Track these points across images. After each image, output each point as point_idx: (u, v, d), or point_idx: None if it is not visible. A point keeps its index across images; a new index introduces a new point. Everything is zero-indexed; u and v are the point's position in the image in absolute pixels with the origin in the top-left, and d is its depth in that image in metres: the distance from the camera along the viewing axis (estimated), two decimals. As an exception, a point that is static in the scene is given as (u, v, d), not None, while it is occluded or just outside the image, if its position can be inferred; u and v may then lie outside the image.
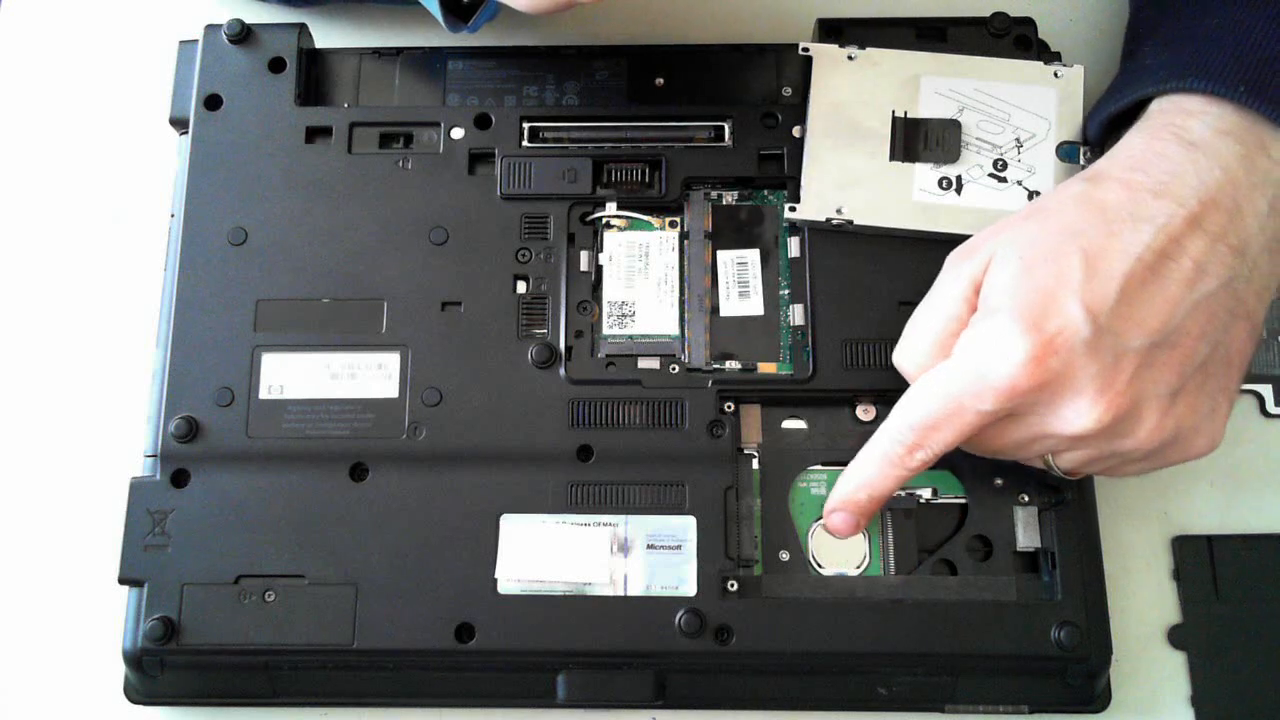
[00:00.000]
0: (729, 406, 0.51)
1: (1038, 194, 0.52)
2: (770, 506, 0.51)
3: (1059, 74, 0.54)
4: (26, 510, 0.55)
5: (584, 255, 0.54)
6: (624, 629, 0.48)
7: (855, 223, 0.52)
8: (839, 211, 0.52)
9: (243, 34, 0.56)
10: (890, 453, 0.47)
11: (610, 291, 0.54)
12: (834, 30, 0.56)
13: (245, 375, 0.52)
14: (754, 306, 0.53)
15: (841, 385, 0.51)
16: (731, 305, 0.53)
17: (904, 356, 0.49)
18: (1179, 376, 0.44)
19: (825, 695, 0.50)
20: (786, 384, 0.52)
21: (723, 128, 0.55)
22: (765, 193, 0.55)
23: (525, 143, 0.55)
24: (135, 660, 0.49)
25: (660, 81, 0.57)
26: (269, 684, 0.50)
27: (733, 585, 0.49)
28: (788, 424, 0.52)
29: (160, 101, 0.57)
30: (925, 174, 0.53)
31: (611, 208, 0.55)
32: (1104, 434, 0.45)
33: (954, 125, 0.53)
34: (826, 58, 0.54)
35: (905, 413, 0.47)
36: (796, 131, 0.54)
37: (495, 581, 0.49)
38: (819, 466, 0.52)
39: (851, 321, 0.52)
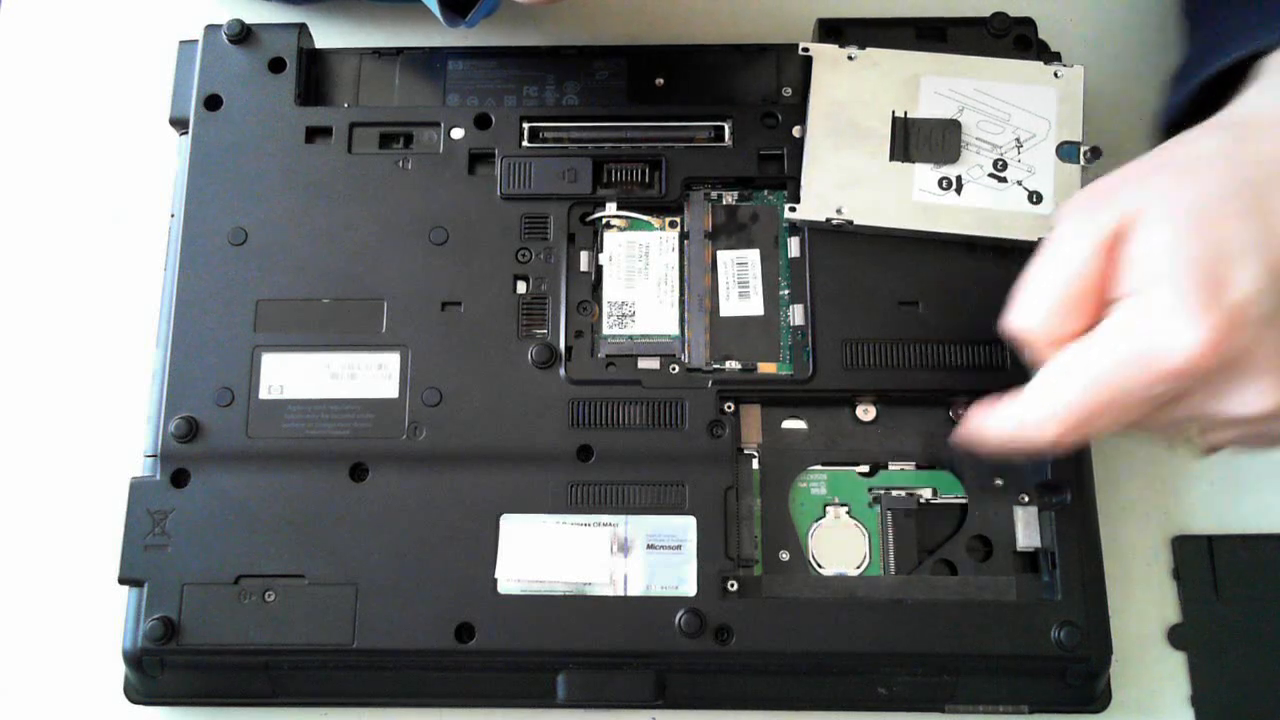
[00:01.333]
0: (729, 406, 0.51)
1: (1038, 194, 0.52)
2: (770, 506, 0.51)
3: (1059, 74, 0.54)
4: (26, 510, 0.55)
5: (584, 255, 0.54)
6: (624, 629, 0.48)
7: (855, 223, 0.52)
8: (839, 211, 0.52)
9: (243, 34, 0.56)
10: (1035, 438, 0.43)
11: (610, 291, 0.54)
12: (834, 30, 0.56)
13: (245, 375, 0.52)
14: (754, 306, 0.53)
15: (841, 385, 0.51)
16: (731, 305, 0.53)
17: (1026, 317, 0.44)
18: None
19: (825, 695, 0.50)
20: (786, 384, 0.52)
21: (723, 128, 0.55)
22: (765, 193, 0.55)
23: (525, 143, 0.55)
24: (135, 660, 0.49)
25: (660, 81, 0.57)
26: (269, 684, 0.50)
27: (733, 585, 0.49)
28: (788, 424, 0.52)
29: (160, 101, 0.57)
30: (925, 174, 0.53)
31: (611, 208, 0.55)
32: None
33: (954, 125, 0.53)
34: (826, 58, 0.54)
35: (1054, 401, 0.42)
36: (796, 131, 0.54)
37: (495, 581, 0.49)
38: (819, 466, 0.52)
39: (851, 321, 0.52)
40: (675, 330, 0.53)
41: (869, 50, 0.54)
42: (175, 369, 0.52)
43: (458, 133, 0.55)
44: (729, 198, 0.55)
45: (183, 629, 0.48)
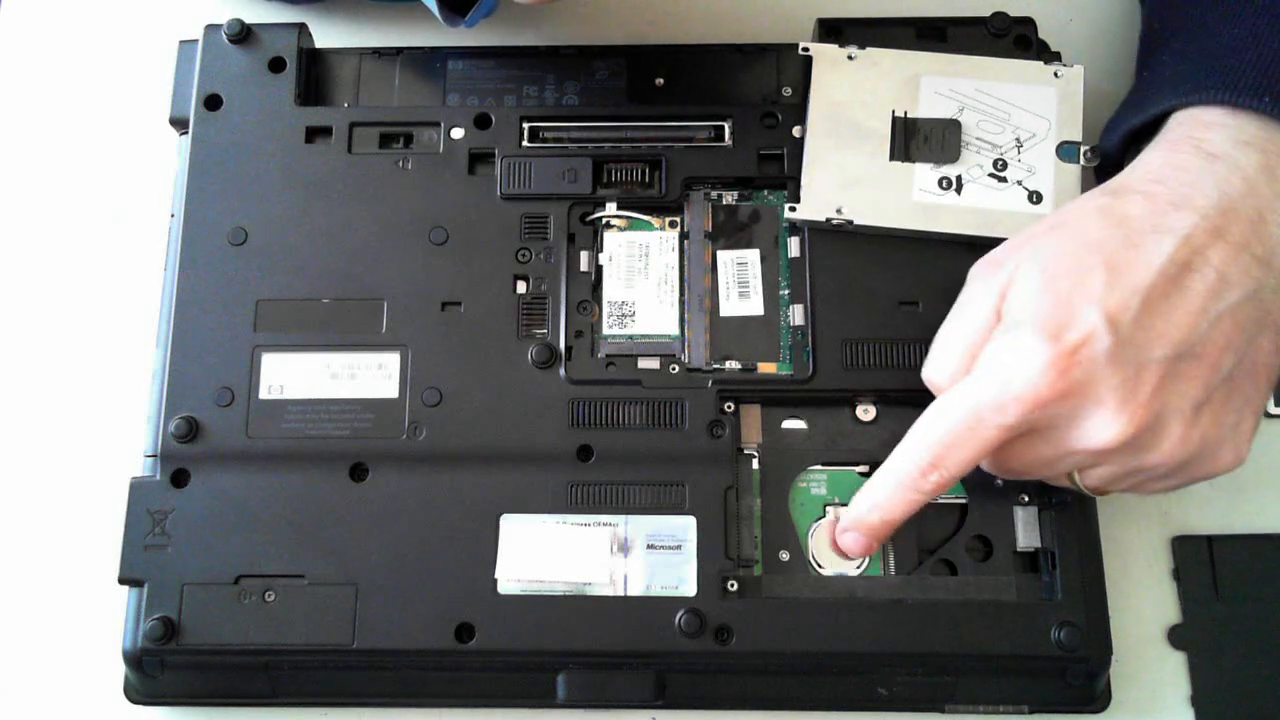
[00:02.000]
0: (729, 406, 0.51)
1: (1038, 194, 0.52)
2: (770, 506, 0.51)
3: (1059, 74, 0.54)
4: (26, 510, 0.55)
5: (584, 255, 0.54)
6: (624, 629, 0.48)
7: (855, 223, 0.52)
8: (839, 211, 0.52)
9: (243, 34, 0.56)
10: (905, 475, 0.46)
11: (610, 291, 0.54)
12: (834, 30, 0.56)
13: (245, 375, 0.52)
14: (754, 306, 0.53)
15: (841, 385, 0.51)
16: (731, 305, 0.53)
17: (934, 370, 0.48)
18: (1204, 389, 0.44)
19: (825, 695, 0.50)
20: (786, 384, 0.52)
21: (723, 128, 0.55)
22: (765, 193, 0.55)
23: (525, 143, 0.55)
24: (135, 660, 0.49)
25: (660, 81, 0.57)
26: (269, 684, 0.50)
27: (733, 585, 0.49)
28: (788, 424, 0.52)
29: (160, 101, 0.57)
30: (925, 174, 0.52)
31: (611, 208, 0.55)
32: (1128, 448, 0.44)
33: (954, 125, 0.53)
34: (826, 58, 0.54)
35: (921, 433, 0.46)
36: (796, 131, 0.54)
37: (495, 581, 0.49)
38: (819, 466, 0.52)
39: (851, 321, 0.52)
40: (675, 330, 0.53)
41: (869, 50, 0.54)
42: (175, 369, 0.52)
43: (458, 133, 0.55)
44: (729, 198, 0.55)
45: (183, 629, 0.48)
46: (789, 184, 0.54)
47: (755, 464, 0.51)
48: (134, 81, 0.61)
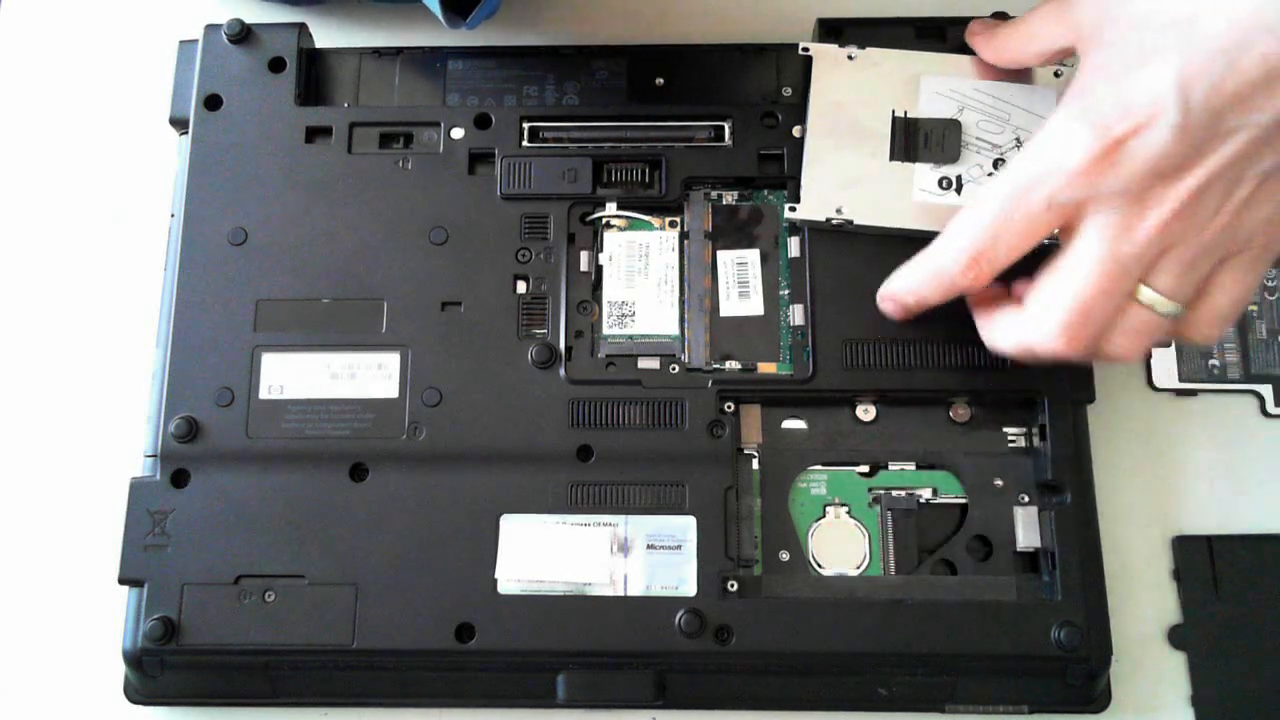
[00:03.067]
0: (729, 406, 0.51)
1: None
2: (770, 506, 0.51)
3: (1059, 73, 0.54)
4: (26, 510, 0.55)
5: (584, 255, 0.54)
6: (624, 629, 0.48)
7: (855, 223, 0.52)
8: (839, 211, 0.52)
9: (243, 34, 0.56)
10: (944, 270, 0.47)
11: (610, 291, 0.54)
12: (834, 30, 0.56)
13: (245, 375, 0.52)
14: (754, 306, 0.53)
15: (841, 385, 0.51)
16: (731, 305, 0.53)
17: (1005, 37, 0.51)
18: (1273, 164, 0.42)
19: (825, 695, 0.50)
20: (786, 384, 0.52)
21: (723, 128, 0.55)
22: (765, 193, 0.55)
23: (525, 143, 0.55)
24: (135, 660, 0.49)
25: (660, 81, 0.57)
26: (269, 684, 0.50)
27: (733, 585, 0.49)
28: (788, 424, 0.52)
29: (160, 101, 0.57)
30: (925, 174, 0.52)
31: (611, 208, 0.55)
32: (1186, 212, 0.42)
33: (954, 125, 0.53)
34: (826, 58, 0.54)
35: (963, 224, 0.46)
36: (796, 131, 0.54)
37: (495, 581, 0.49)
38: (819, 466, 0.52)
39: (851, 321, 0.52)
40: (675, 330, 0.53)
41: (869, 50, 0.54)
42: (175, 369, 0.52)
43: (458, 133, 0.55)
44: (729, 198, 0.55)
45: (183, 629, 0.48)
46: (789, 184, 0.54)
47: (755, 464, 0.51)
48: (134, 81, 0.61)
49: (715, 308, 0.53)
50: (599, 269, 0.54)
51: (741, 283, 0.54)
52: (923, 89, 0.54)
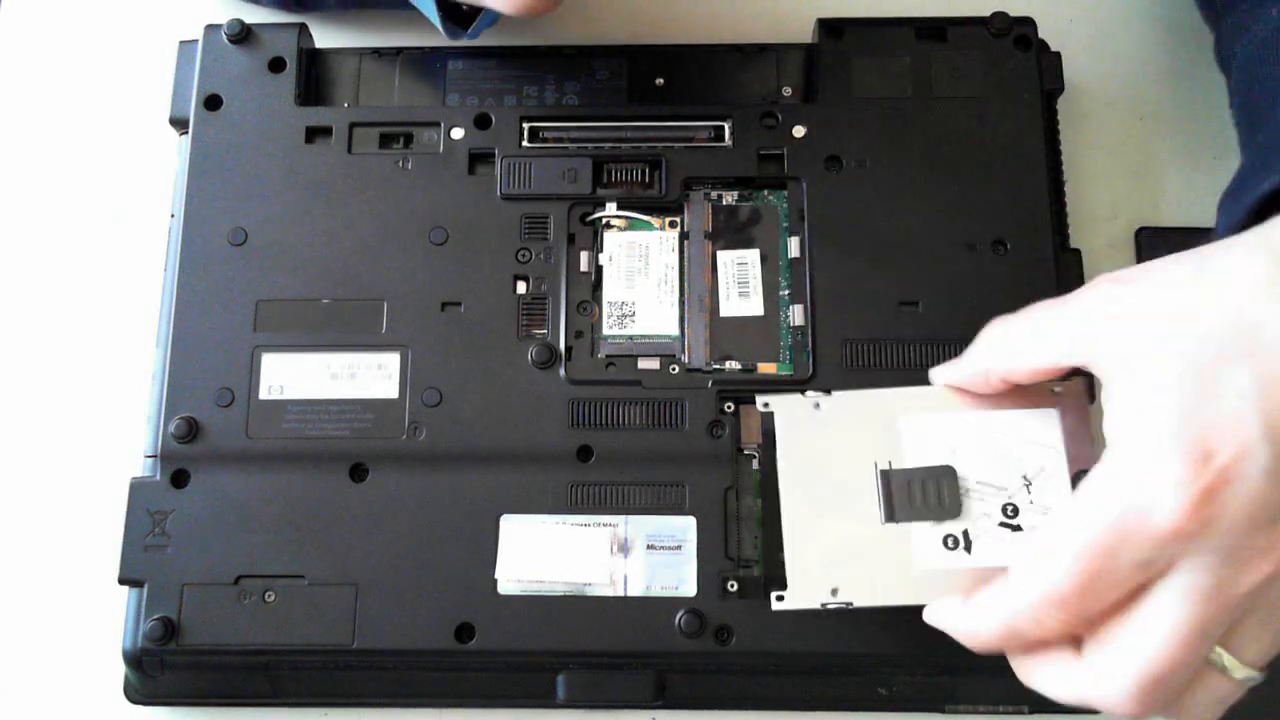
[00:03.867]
0: (729, 406, 0.51)
1: None
2: (770, 506, 0.51)
3: (1057, 389, 0.45)
4: (26, 510, 0.55)
5: (584, 255, 0.54)
6: (624, 629, 0.48)
7: (855, 604, 0.45)
8: (834, 594, 0.45)
9: (243, 34, 0.56)
10: (1013, 625, 0.40)
11: (610, 291, 0.54)
12: (834, 30, 0.56)
13: (245, 375, 0.52)
14: (754, 306, 0.53)
15: (841, 385, 0.51)
16: (731, 305, 0.53)
17: (1004, 351, 0.43)
18: None
19: (825, 695, 0.50)
20: (786, 384, 0.52)
21: (723, 128, 0.55)
22: (765, 193, 0.55)
23: (525, 143, 0.55)
24: (135, 660, 0.49)
25: (660, 81, 0.57)
26: (269, 684, 0.50)
27: (733, 585, 0.49)
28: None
29: (160, 101, 0.58)
30: (926, 535, 0.45)
31: (611, 208, 0.55)
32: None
33: (948, 473, 0.45)
34: (790, 411, 0.47)
35: (1034, 580, 0.39)
36: (797, 132, 0.54)
37: (495, 581, 0.49)
38: (819, 467, 0.51)
39: (851, 321, 0.52)
40: (675, 330, 0.53)
41: (836, 395, 0.47)
42: (175, 369, 0.52)
43: (458, 133, 0.55)
44: (729, 198, 0.55)
45: (183, 629, 0.48)
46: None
47: (755, 464, 0.51)
48: (134, 81, 0.61)
49: (715, 308, 0.53)
50: (599, 269, 0.54)
51: (741, 283, 0.54)
52: (903, 434, 0.46)
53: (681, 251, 0.54)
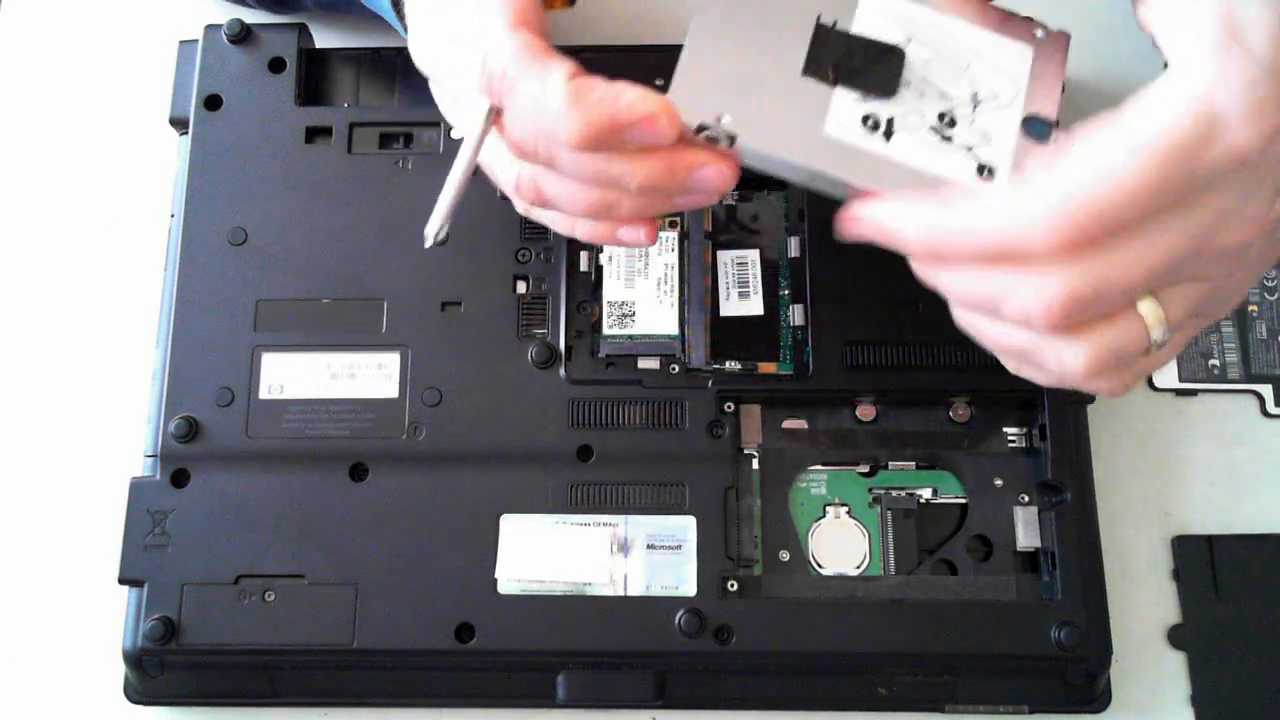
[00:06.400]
0: (729, 406, 0.51)
1: (989, 168, 0.40)
2: (770, 506, 0.51)
3: (1041, 34, 0.42)
4: (26, 510, 0.55)
5: (584, 255, 0.54)
6: (624, 629, 0.48)
7: (740, 143, 0.40)
8: (719, 120, 0.39)
9: (243, 34, 0.56)
10: (1019, 240, 0.35)
11: (610, 291, 0.54)
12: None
13: (245, 375, 0.52)
14: (754, 306, 0.53)
15: (841, 385, 0.51)
16: (731, 305, 0.53)
17: None
18: None
19: (825, 695, 0.50)
20: (786, 384, 0.52)
21: (723, 128, 0.55)
22: (765, 193, 0.55)
23: (525, 143, 0.55)
24: (135, 660, 0.49)
25: (660, 82, 0.57)
26: (269, 684, 0.50)
27: (733, 585, 0.49)
28: (788, 424, 0.52)
29: (160, 101, 0.58)
30: (847, 103, 0.40)
31: (611, 208, 0.54)
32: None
33: (895, 53, 0.41)
34: None
35: (1082, 178, 0.35)
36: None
37: (495, 581, 0.49)
38: (819, 466, 0.52)
39: (851, 321, 0.52)
40: (675, 330, 0.53)
41: None
42: (175, 369, 0.52)
43: (457, 133, 0.55)
44: (729, 198, 0.55)
45: (183, 629, 0.48)
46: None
47: (755, 464, 0.51)
48: (134, 81, 0.61)
49: (715, 308, 0.53)
50: (599, 269, 0.54)
51: (741, 283, 0.54)
52: (863, 3, 0.42)
53: (681, 251, 0.54)
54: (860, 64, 0.40)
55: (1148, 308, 0.37)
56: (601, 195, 0.41)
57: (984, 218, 0.36)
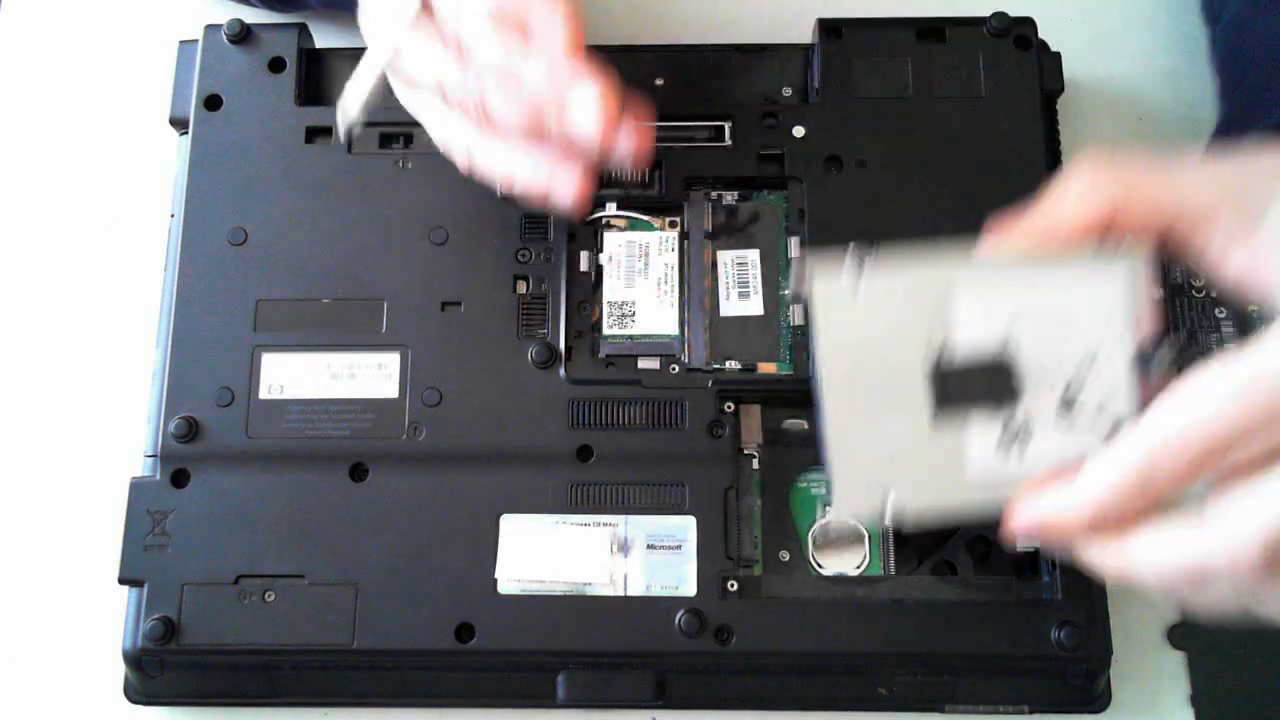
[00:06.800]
0: (729, 406, 0.51)
1: (1117, 427, 0.39)
2: (770, 506, 0.51)
3: (1116, 250, 0.40)
4: (26, 510, 0.55)
5: (584, 255, 0.54)
6: (624, 629, 0.48)
7: (909, 516, 0.40)
8: (885, 503, 0.40)
9: (243, 34, 0.56)
10: (1152, 473, 0.36)
11: (610, 291, 0.54)
12: (834, 30, 0.56)
13: (245, 375, 0.52)
14: (754, 306, 0.53)
15: (841, 385, 0.51)
16: (731, 305, 0.53)
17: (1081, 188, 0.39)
18: None
19: (825, 695, 0.50)
20: (786, 384, 0.52)
21: (723, 128, 0.55)
22: (765, 193, 0.55)
23: (525, 143, 0.55)
24: (135, 660, 0.49)
25: (660, 81, 0.57)
26: (269, 684, 0.50)
27: (733, 585, 0.49)
28: (788, 424, 0.52)
29: (160, 101, 0.58)
30: (981, 430, 0.40)
31: (611, 208, 0.55)
32: None
33: (1007, 353, 0.40)
34: (829, 296, 0.40)
35: (1190, 415, 0.36)
36: (797, 132, 0.54)
37: (495, 581, 0.49)
38: (819, 466, 0.52)
39: (851, 321, 0.52)
40: (675, 330, 0.53)
41: (878, 274, 0.40)
42: (175, 369, 0.52)
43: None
44: (729, 198, 0.55)
45: (183, 629, 0.48)
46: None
47: (755, 464, 0.51)
48: (134, 81, 0.61)
49: (715, 308, 0.53)
50: (599, 269, 0.54)
51: (741, 283, 0.54)
52: (954, 311, 0.40)
53: (681, 251, 0.54)
54: (980, 388, 0.40)
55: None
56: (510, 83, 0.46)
57: (1176, 552, 0.37)
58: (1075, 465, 0.38)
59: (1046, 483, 0.39)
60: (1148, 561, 0.38)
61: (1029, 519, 0.39)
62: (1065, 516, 0.38)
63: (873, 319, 0.40)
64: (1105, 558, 0.39)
